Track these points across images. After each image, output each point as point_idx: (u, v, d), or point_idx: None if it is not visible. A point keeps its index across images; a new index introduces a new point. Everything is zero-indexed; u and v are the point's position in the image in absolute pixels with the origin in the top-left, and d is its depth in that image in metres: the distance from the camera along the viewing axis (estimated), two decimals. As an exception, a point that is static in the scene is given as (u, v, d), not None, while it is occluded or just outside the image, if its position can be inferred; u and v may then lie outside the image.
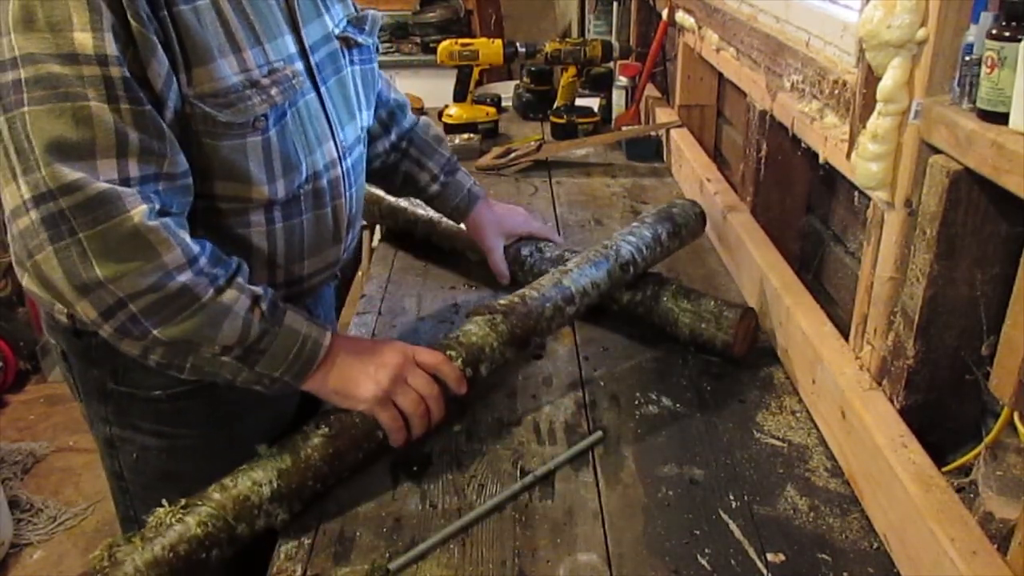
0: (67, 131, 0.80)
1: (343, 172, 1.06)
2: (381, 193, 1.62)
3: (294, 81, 0.96)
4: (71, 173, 0.80)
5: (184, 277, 0.85)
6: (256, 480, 0.87)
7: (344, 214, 1.08)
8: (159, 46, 0.84)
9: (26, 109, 0.79)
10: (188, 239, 0.87)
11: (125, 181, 0.83)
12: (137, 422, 1.04)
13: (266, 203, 0.97)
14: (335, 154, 1.05)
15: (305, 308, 0.99)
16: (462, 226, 1.41)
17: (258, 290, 0.91)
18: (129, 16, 0.81)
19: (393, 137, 1.34)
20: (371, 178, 1.37)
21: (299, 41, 1.00)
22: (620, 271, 1.17)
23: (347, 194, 1.08)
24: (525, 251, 1.36)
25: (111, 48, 0.80)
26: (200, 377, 0.92)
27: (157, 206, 0.85)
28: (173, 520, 0.82)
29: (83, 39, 0.79)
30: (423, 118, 1.40)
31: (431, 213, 1.52)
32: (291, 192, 0.99)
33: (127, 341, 0.87)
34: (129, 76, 0.82)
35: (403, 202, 1.57)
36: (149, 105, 0.84)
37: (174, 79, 0.86)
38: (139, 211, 0.82)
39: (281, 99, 0.94)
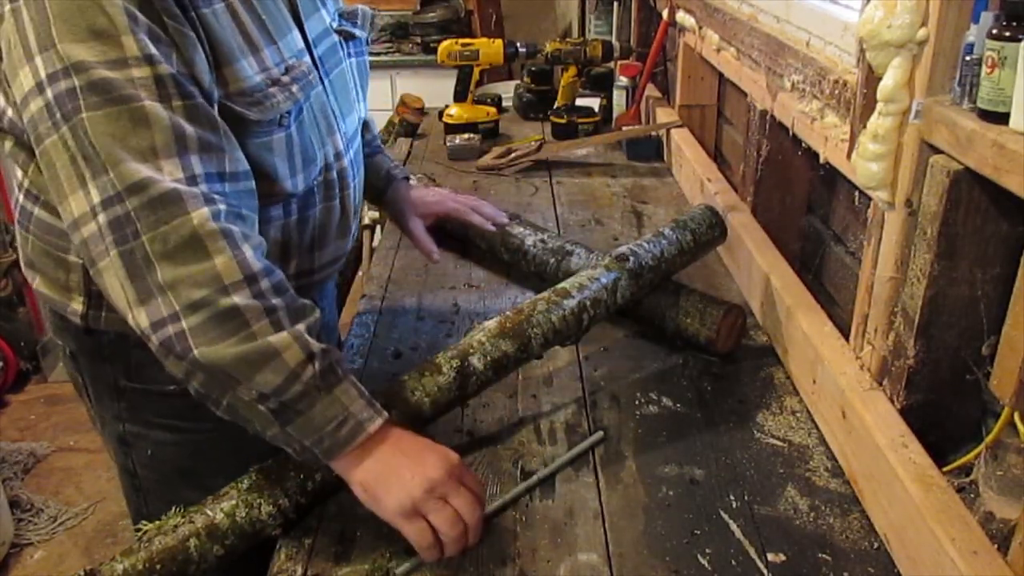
0: (126, 134, 0.79)
1: (348, 163, 1.08)
2: None
3: (310, 76, 0.97)
4: (139, 171, 0.79)
5: (238, 298, 0.79)
6: (237, 480, 0.88)
7: (351, 204, 1.10)
8: (198, 42, 0.84)
9: (84, 115, 0.78)
10: (251, 254, 0.82)
11: (191, 179, 0.81)
12: (151, 418, 1.05)
13: (286, 197, 0.98)
14: (340, 146, 1.06)
15: (313, 302, 0.94)
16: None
17: (317, 348, 0.81)
18: (165, 17, 0.81)
19: None
20: None
21: (303, 36, 1.00)
22: (616, 262, 1.13)
23: (352, 184, 1.09)
24: (529, 242, 1.36)
25: (151, 48, 0.80)
26: (233, 419, 0.84)
27: (223, 207, 0.82)
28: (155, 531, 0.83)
29: (128, 42, 0.79)
30: None
31: None
32: (308, 185, 1.00)
33: (171, 360, 0.81)
34: (175, 72, 0.82)
35: None
36: (200, 99, 0.84)
37: (212, 76, 0.86)
38: (200, 213, 0.79)
39: (302, 95, 0.95)
